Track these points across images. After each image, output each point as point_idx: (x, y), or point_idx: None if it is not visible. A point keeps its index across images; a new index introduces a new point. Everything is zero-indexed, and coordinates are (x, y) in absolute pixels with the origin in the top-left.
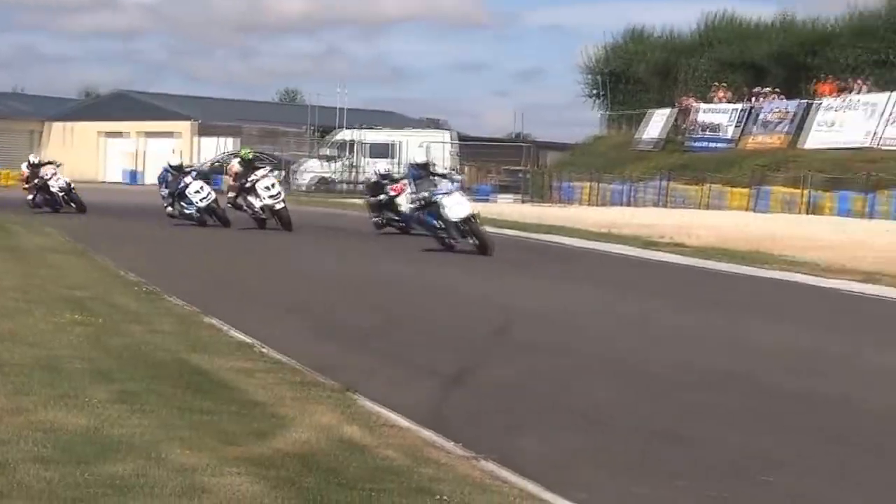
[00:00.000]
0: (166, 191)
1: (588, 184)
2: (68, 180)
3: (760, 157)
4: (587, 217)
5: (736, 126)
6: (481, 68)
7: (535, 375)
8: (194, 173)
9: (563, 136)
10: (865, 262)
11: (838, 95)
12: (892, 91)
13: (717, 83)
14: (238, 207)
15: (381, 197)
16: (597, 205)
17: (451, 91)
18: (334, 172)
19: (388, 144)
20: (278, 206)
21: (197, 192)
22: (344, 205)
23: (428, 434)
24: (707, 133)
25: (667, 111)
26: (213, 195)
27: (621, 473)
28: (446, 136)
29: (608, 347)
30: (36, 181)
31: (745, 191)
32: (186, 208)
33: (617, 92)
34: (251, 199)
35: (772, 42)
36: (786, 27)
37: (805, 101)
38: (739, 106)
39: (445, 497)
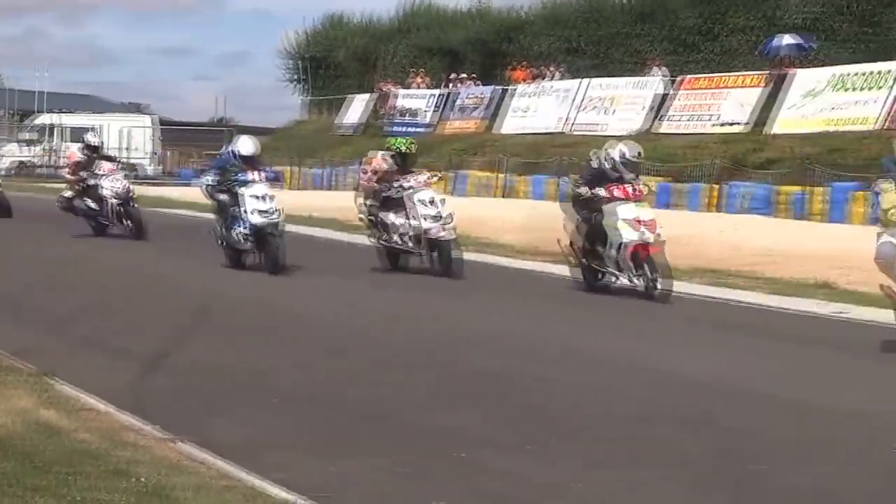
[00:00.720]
0: (213, 178)
1: (289, 168)
2: (129, 185)
3: (458, 142)
4: (288, 200)
5: (434, 111)
6: (186, 52)
7: (235, 358)
8: (268, 173)
9: (266, 121)
10: (556, 244)
11: (532, 82)
12: (583, 78)
13: (415, 69)
14: (372, 225)
15: (581, 190)
16: (297, 188)
17: (155, 75)
18: (34, 157)
19: (88, 129)
20: (441, 235)
21: (256, 197)
22: (47, 189)
23: (126, 417)
24: (406, 118)
25: (367, 96)
26: (280, 215)
27: (319, 452)
28: (147, 120)
29: (312, 329)
30: (84, 175)
31: (492, 172)
32: (233, 224)
33: (318, 77)
34: (395, 217)
35: (468, 29)
36: (482, 14)
37: (500, 87)
38: (437, 91)
39: (143, 479)
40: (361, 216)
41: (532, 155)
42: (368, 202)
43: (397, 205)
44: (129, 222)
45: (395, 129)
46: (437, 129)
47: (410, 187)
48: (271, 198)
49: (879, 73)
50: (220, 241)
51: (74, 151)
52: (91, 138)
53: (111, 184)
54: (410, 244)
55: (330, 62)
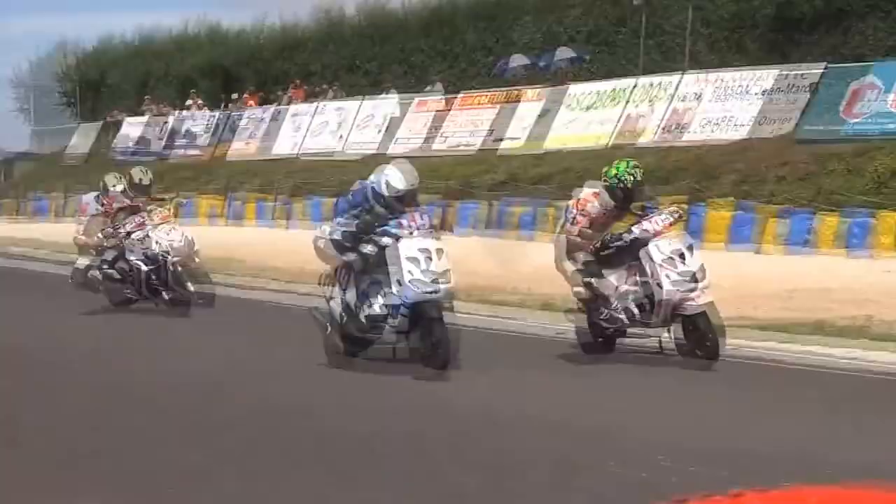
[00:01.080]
0: (346, 228)
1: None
2: (190, 237)
3: (235, 166)
4: (53, 231)
5: (213, 134)
6: None
7: None
8: (429, 217)
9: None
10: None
11: (310, 101)
12: (362, 97)
13: (193, 90)
14: (613, 316)
15: None
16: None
17: None
18: None
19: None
20: (695, 305)
21: (414, 258)
22: None
23: None
24: (184, 140)
25: (94, 125)
26: (448, 280)
27: (30, 491)
28: None
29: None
30: (126, 225)
31: (220, 199)
32: (366, 297)
33: (42, 106)
34: (616, 279)
35: (247, 48)
36: (259, 33)
37: (278, 107)
38: (217, 114)
39: None
40: (578, 290)
41: (309, 176)
42: (583, 263)
43: (617, 261)
44: (189, 288)
45: (126, 157)
46: (214, 152)
47: (645, 231)
48: (439, 252)
49: (615, 90)
50: (335, 329)
51: (115, 194)
52: (141, 174)
53: (167, 237)
54: (637, 314)
55: (60, 91)
